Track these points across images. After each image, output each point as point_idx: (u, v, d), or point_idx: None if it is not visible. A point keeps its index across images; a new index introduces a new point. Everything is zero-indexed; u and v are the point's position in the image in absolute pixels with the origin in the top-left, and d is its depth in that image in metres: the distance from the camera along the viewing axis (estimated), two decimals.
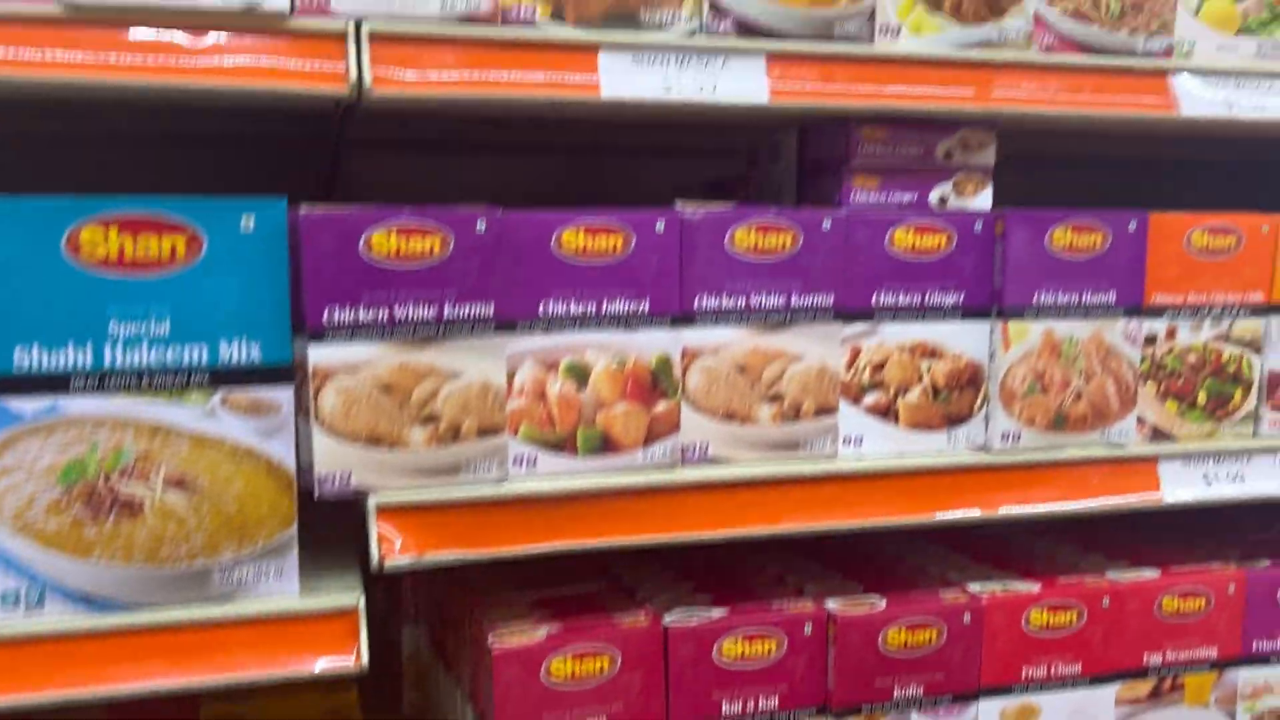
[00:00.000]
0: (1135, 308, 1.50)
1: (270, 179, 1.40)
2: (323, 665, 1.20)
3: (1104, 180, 2.09)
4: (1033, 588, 1.52)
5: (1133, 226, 1.48)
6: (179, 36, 1.11)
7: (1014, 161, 1.57)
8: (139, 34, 1.10)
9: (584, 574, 1.55)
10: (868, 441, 1.42)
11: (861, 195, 1.43)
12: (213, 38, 1.12)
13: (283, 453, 1.20)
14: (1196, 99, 1.48)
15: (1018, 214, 1.44)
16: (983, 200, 1.48)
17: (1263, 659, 1.61)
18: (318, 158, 1.72)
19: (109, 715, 1.31)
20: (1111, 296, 1.48)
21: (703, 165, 1.84)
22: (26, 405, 1.12)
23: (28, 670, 1.13)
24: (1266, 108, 1.51)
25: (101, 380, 1.13)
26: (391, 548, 1.21)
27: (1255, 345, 1.56)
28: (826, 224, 1.37)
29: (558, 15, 1.24)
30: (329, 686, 1.56)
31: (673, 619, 1.38)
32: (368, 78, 1.13)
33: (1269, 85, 1.52)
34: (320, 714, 1.49)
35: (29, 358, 1.12)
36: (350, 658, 1.20)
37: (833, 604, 1.44)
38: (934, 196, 1.45)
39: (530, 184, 1.88)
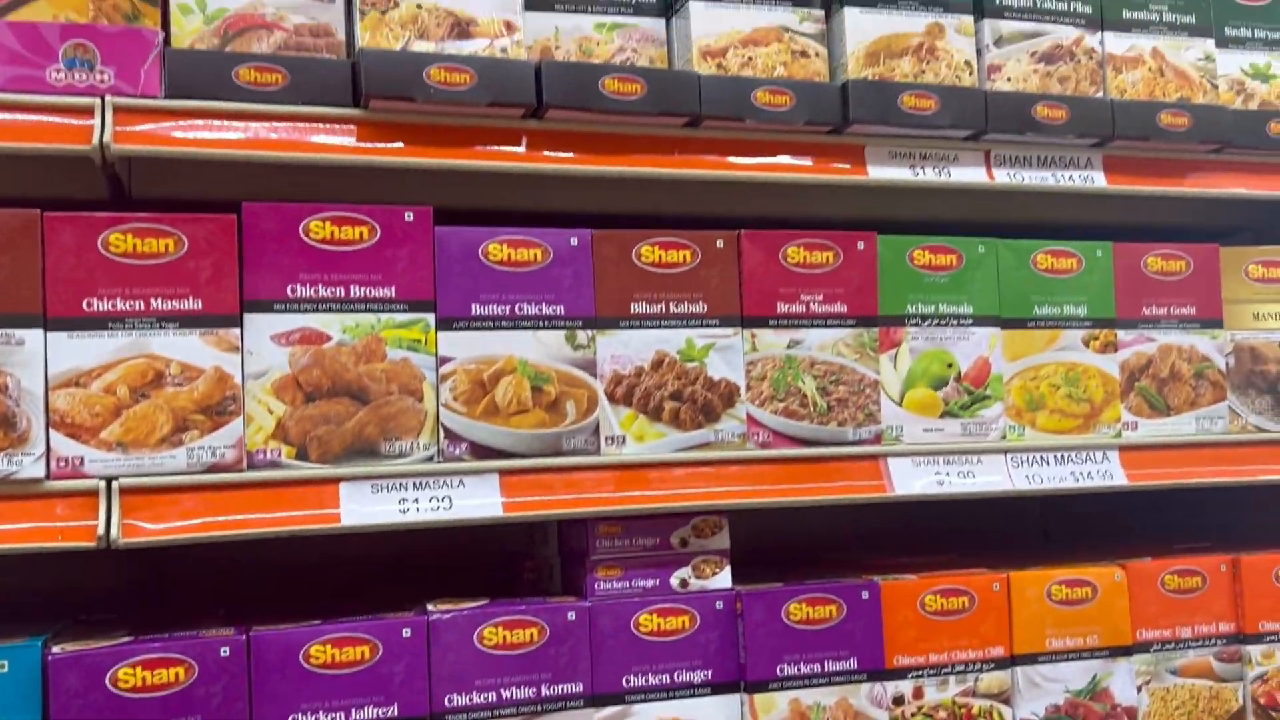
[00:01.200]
0: (877, 671, 1.61)
1: None
2: None
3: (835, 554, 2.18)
4: None
5: (865, 595, 1.62)
6: None
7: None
8: None
9: None
10: None
11: (605, 585, 1.56)
12: None
13: None
14: (909, 476, 1.67)
15: (754, 592, 1.58)
16: (722, 580, 1.62)
17: None
18: None
19: None
20: (853, 663, 1.60)
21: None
22: None
23: None
24: (974, 477, 1.70)
25: None
26: None
27: (1004, 697, 1.66)
28: (571, 615, 1.50)
29: (302, 455, 1.41)
30: None
31: None
32: (115, 532, 1.28)
33: (976, 459, 1.71)
34: None
35: None
36: None
37: None
38: (675, 580, 1.59)
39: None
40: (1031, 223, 1.94)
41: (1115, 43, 1.81)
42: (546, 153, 1.55)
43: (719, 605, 1.57)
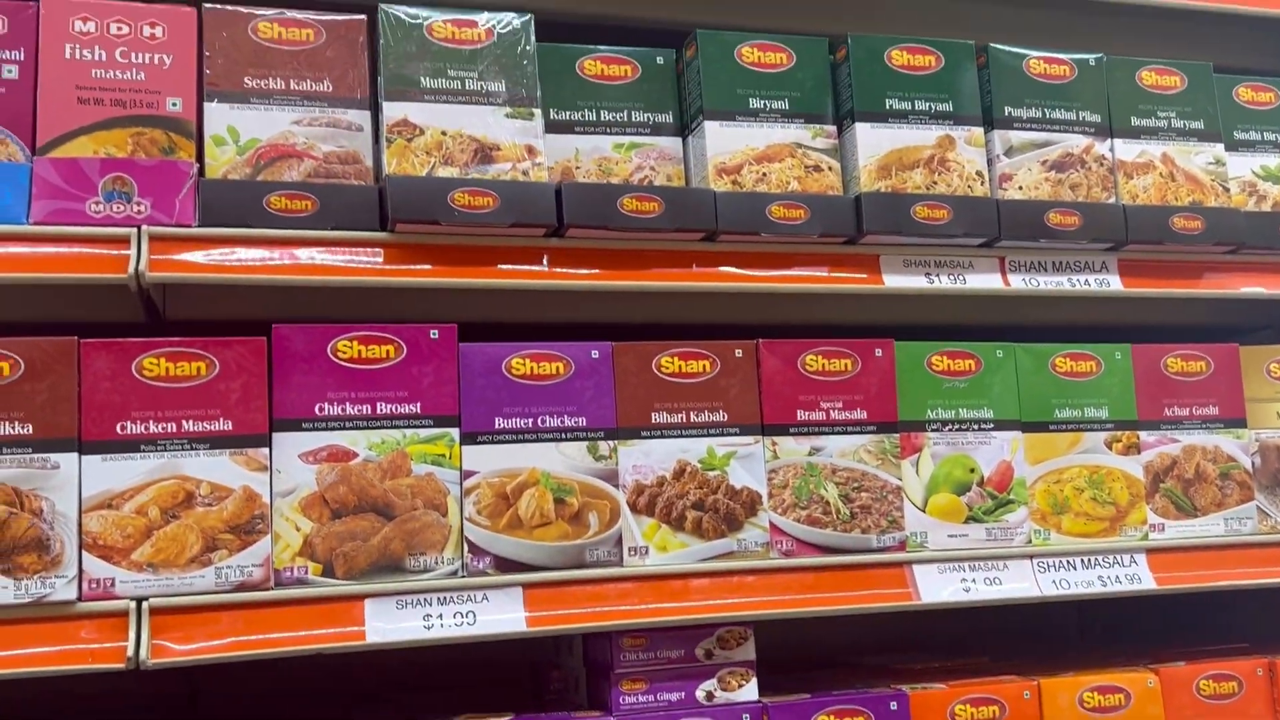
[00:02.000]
0: None
1: None
2: None
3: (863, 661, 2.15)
4: None
5: (894, 706, 1.60)
6: None
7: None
8: None
9: None
10: None
11: (630, 699, 1.56)
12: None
13: None
14: (934, 584, 1.66)
15: (781, 704, 1.57)
16: (749, 691, 1.60)
17: None
18: None
19: None
20: None
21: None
22: None
23: None
24: (1001, 584, 1.69)
25: None
26: None
27: None
28: None
29: (328, 571, 1.43)
30: None
31: None
32: (144, 653, 1.30)
33: (1002, 565, 1.70)
34: None
35: None
36: None
37: None
38: (700, 693, 1.58)
39: None
40: (1050, 324, 1.96)
41: (1125, 149, 1.84)
42: (568, 269, 1.59)
43: (745, 719, 1.56)
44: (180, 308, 1.59)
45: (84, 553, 1.34)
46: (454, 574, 1.49)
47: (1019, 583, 1.70)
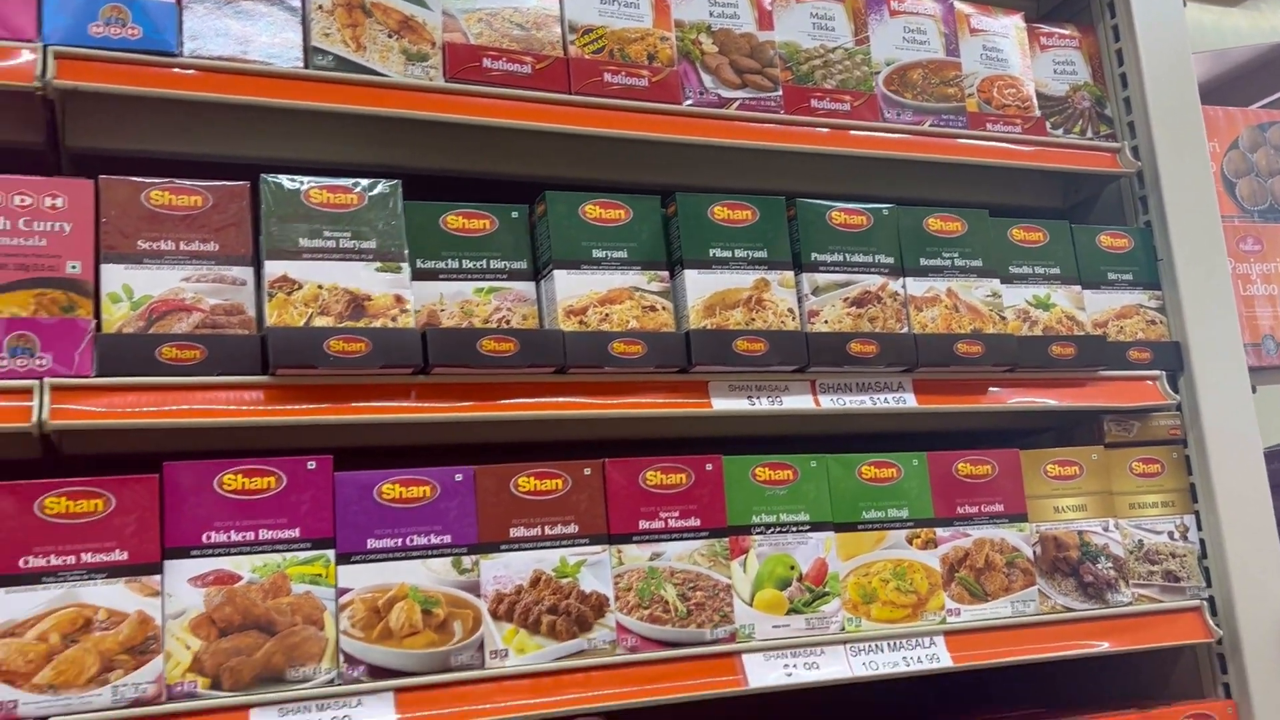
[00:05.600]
0: None
1: None
2: None
3: None
4: None
5: None
6: None
7: None
8: None
9: None
10: None
11: None
12: None
13: None
14: (761, 671, 1.89)
15: None
16: None
17: None
18: None
19: None
20: None
21: None
22: None
23: None
24: (819, 668, 1.93)
25: None
26: None
27: None
28: None
29: (216, 684, 1.59)
30: None
31: None
32: None
33: (819, 650, 1.95)
34: None
35: None
36: None
37: None
38: None
39: None
40: (858, 433, 2.24)
41: (915, 286, 2.15)
42: (434, 403, 1.80)
43: None
44: (76, 445, 1.74)
45: None
46: (330, 682, 1.66)
47: (834, 665, 1.94)
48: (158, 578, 1.59)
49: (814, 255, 2.08)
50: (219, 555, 1.63)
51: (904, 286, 2.15)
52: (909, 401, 2.11)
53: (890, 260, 2.14)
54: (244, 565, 1.64)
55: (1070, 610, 2.15)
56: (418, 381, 1.80)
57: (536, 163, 2.10)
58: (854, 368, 2.04)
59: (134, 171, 1.71)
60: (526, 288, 1.95)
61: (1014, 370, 2.20)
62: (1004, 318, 2.22)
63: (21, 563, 1.52)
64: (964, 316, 2.18)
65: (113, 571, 1.56)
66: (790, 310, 2.04)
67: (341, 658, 1.67)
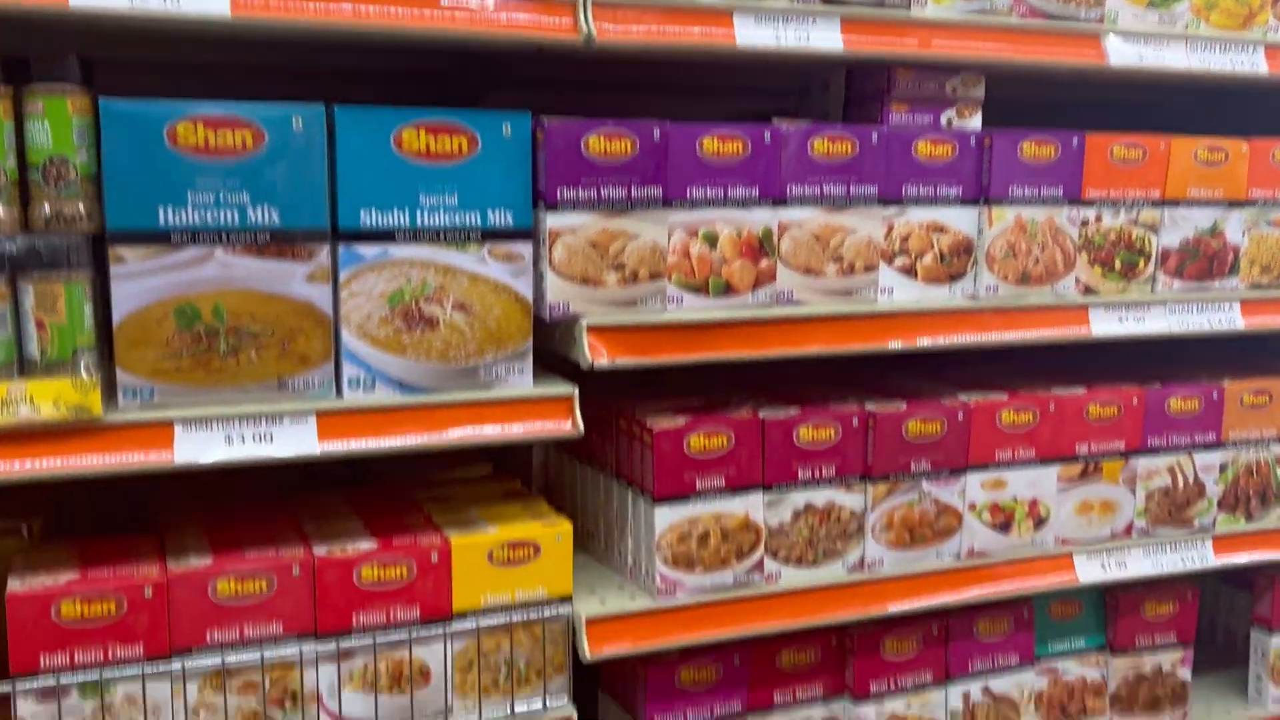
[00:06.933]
0: (1076, 199, 2.13)
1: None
2: (551, 429, 1.76)
3: (1046, 116, 2.71)
4: (1002, 396, 2.16)
5: (1075, 143, 2.11)
6: None
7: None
8: None
9: (697, 391, 2.13)
10: (897, 292, 2.02)
11: (896, 117, 2.02)
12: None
13: (525, 288, 1.75)
14: (1120, 52, 2.11)
15: (1001, 132, 2.05)
16: (975, 122, 2.08)
17: (1154, 451, 2.29)
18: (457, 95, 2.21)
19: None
20: (1060, 191, 2.11)
21: (743, 101, 2.38)
22: (367, 250, 1.65)
23: (364, 429, 1.67)
24: (1164, 59, 2.15)
25: (414, 235, 1.67)
26: (599, 353, 1.77)
27: (1154, 228, 2.21)
28: (874, 137, 1.96)
29: None
30: (500, 478, 2.12)
31: (766, 415, 1.97)
32: (593, 30, 1.68)
33: (1165, 43, 2.15)
34: (500, 492, 2.05)
35: (370, 218, 1.64)
36: (569, 423, 1.76)
37: (871, 405, 2.06)
38: (944, 118, 2.05)
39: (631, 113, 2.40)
40: None
41: None
42: None
43: (972, 141, 2.04)
44: None
45: None
46: (794, 1, 1.86)
47: None
48: None
49: None
50: None
51: None
52: None
53: None
54: None
55: None
56: None
57: None
58: None
59: None
60: None
61: None
62: None
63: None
64: None
65: None
66: None
67: None
